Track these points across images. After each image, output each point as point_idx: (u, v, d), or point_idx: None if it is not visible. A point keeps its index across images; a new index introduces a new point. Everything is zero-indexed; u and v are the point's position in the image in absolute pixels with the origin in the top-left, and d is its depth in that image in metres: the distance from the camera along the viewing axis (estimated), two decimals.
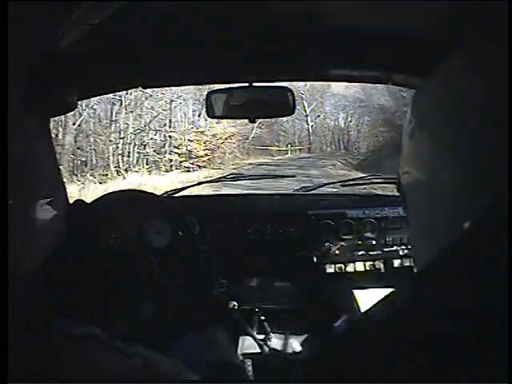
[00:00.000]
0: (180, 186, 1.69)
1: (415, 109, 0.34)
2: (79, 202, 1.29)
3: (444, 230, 0.30)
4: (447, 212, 0.30)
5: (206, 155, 14.11)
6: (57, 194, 0.40)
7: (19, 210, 0.34)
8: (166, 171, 12.75)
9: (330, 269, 1.42)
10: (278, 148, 20.03)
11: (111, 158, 12.01)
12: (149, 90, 11.47)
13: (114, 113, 12.59)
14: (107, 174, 11.49)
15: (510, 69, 0.27)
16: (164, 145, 13.97)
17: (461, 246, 0.27)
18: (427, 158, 0.32)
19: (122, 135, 12.48)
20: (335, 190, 1.84)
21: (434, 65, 0.33)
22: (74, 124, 11.02)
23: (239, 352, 1.27)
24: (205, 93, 1.37)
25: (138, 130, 13.10)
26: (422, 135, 0.33)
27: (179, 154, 13.75)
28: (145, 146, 13.29)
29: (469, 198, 0.28)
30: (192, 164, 13.66)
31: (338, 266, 1.43)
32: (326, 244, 1.43)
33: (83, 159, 12.17)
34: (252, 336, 1.30)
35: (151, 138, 13.68)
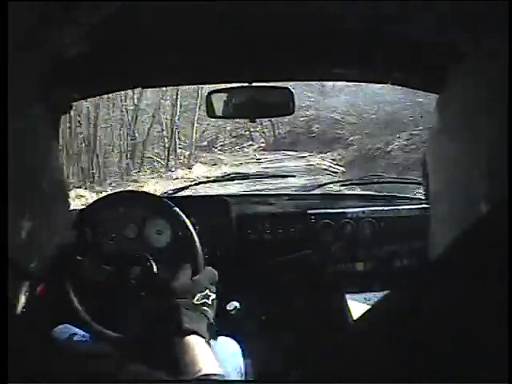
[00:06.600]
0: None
1: (440, 110, 0.35)
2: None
3: (458, 227, 0.30)
4: (464, 210, 0.31)
5: None
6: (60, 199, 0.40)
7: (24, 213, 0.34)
8: None
9: (330, 269, 1.42)
10: None
11: None
12: None
13: None
14: None
15: (510, 69, 0.27)
16: None
17: (467, 245, 0.27)
18: (452, 158, 0.32)
19: None
20: (335, 189, 1.84)
21: (454, 66, 0.33)
22: None
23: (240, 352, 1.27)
24: None
25: None
26: (445, 137, 0.33)
27: None
28: None
29: (488, 197, 0.28)
30: None
31: (338, 265, 1.43)
32: (326, 244, 1.43)
33: None
34: (252, 336, 1.30)
35: None
